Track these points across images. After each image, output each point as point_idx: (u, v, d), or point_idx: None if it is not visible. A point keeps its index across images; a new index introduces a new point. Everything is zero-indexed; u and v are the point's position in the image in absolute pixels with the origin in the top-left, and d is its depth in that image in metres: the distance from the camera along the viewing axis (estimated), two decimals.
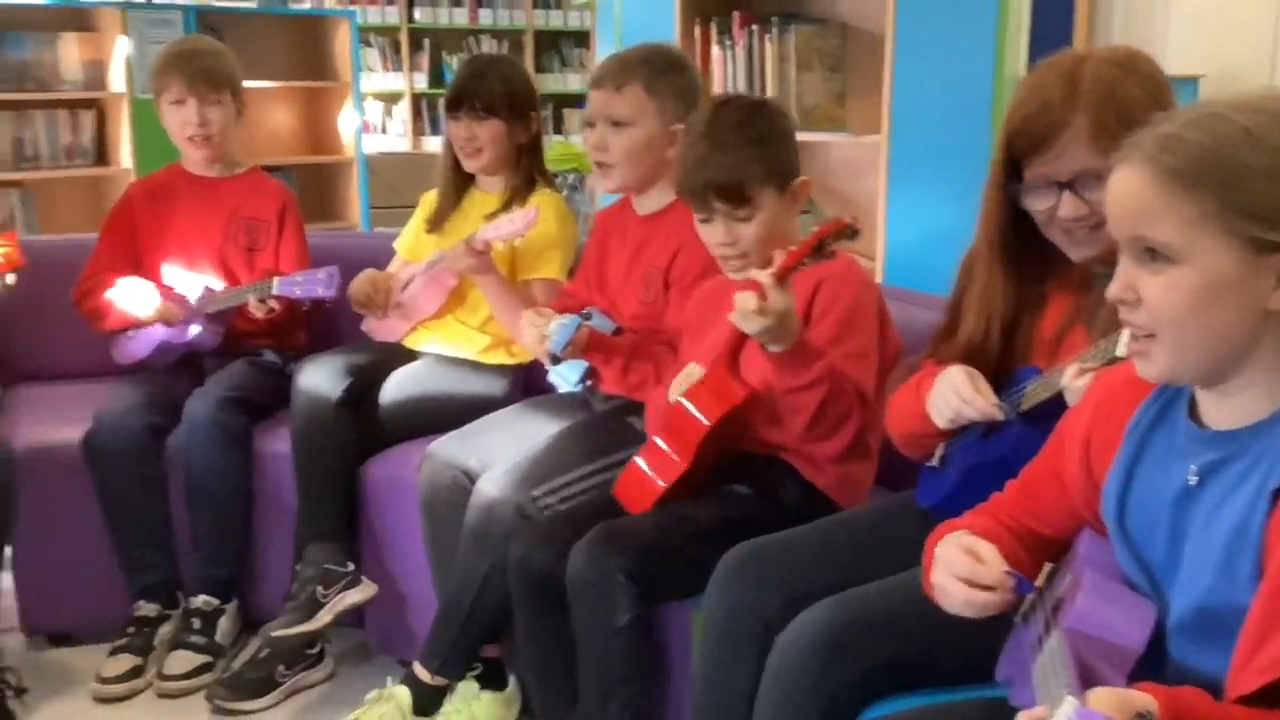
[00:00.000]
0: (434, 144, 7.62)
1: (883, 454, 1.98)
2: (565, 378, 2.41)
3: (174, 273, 2.80)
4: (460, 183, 2.76)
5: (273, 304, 2.61)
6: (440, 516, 2.28)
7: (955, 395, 1.58)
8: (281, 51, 5.43)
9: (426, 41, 7.63)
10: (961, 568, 1.27)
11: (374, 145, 6.96)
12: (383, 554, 2.57)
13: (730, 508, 1.95)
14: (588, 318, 2.23)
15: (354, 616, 2.55)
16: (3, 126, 4.70)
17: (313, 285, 2.57)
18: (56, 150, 4.90)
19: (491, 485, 2.15)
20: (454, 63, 7.69)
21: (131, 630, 2.57)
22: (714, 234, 2.00)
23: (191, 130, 2.77)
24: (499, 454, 2.25)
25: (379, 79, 7.39)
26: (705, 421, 1.89)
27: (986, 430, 1.59)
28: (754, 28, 3.48)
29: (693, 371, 1.96)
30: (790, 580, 1.64)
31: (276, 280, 2.61)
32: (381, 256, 2.90)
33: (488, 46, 7.80)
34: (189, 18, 5.00)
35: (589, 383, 2.42)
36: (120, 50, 4.84)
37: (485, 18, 7.76)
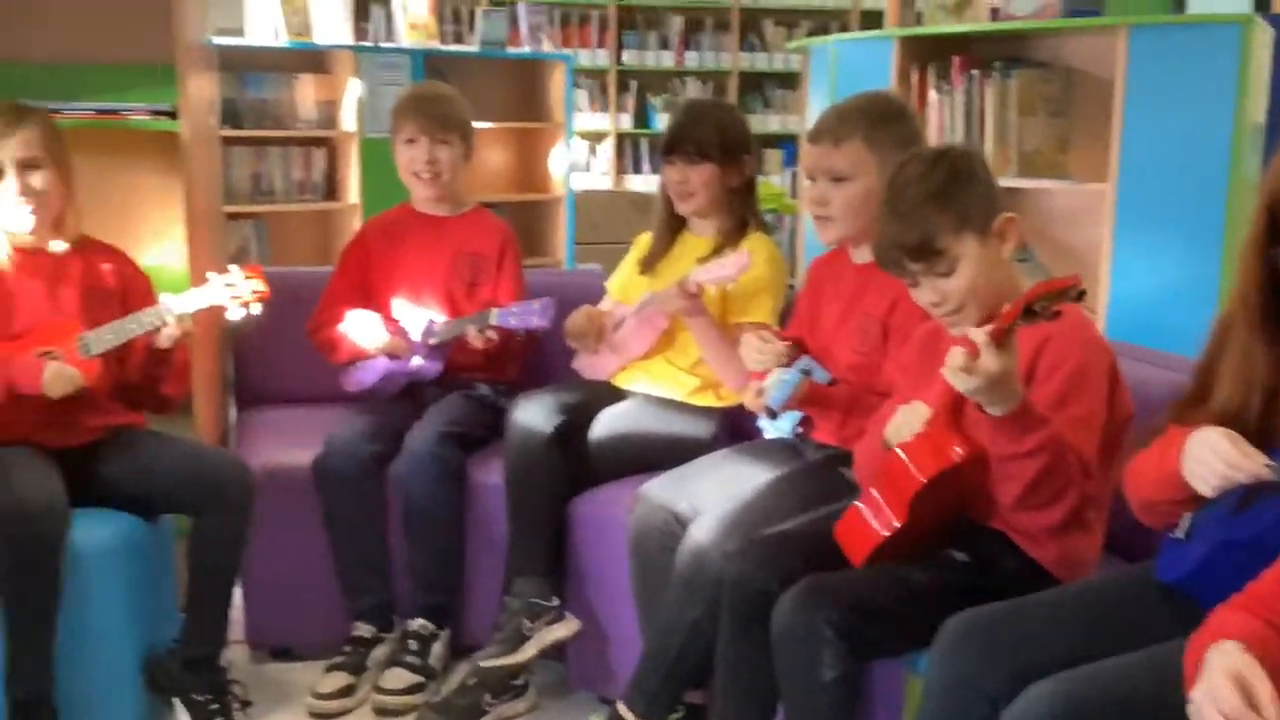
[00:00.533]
0: (636, 183, 7.76)
1: (1116, 520, 1.89)
2: (778, 426, 2.39)
3: (402, 307, 2.93)
4: (673, 225, 2.79)
5: (490, 334, 2.69)
6: (649, 558, 2.30)
7: (1217, 458, 1.48)
8: (499, 93, 5.63)
9: (633, 83, 7.79)
10: (1233, 710, 1.17)
11: (578, 183, 7.13)
12: (588, 590, 2.61)
13: (947, 573, 1.89)
14: (807, 372, 2.21)
15: (556, 650, 2.59)
16: (243, 161, 5.01)
17: (528, 316, 2.64)
18: (290, 185, 5.20)
19: (702, 532, 2.15)
20: (659, 103, 7.82)
21: (348, 649, 2.68)
22: (922, 295, 1.95)
23: (419, 167, 2.90)
24: (710, 500, 2.25)
25: (585, 119, 7.58)
26: (920, 478, 1.82)
27: (1240, 504, 1.49)
28: (974, 73, 3.42)
29: (917, 412, 1.87)
30: (1018, 652, 1.58)
31: (495, 311, 2.70)
32: (587, 293, 2.96)
33: (693, 88, 7.91)
34: (416, 62, 5.23)
35: (800, 430, 2.40)
36: (352, 92, 5.11)
37: (691, 60, 7.87)
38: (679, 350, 2.70)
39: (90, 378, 2.34)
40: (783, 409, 2.19)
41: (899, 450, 1.85)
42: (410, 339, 2.82)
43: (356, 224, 5.13)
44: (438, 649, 2.69)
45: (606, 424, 2.64)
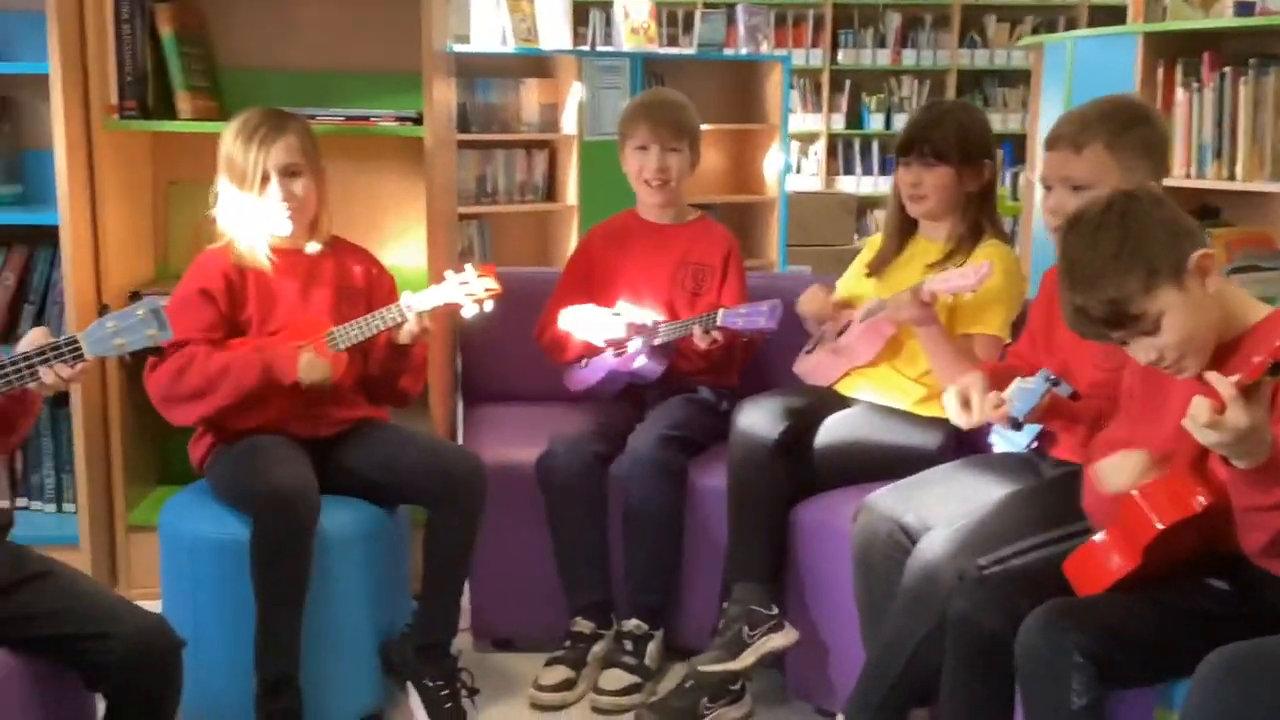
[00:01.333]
0: (847, 184, 7.66)
1: None
2: (1013, 440, 2.30)
3: (625, 310, 2.95)
4: (905, 228, 2.73)
5: (716, 334, 2.69)
6: (874, 570, 2.25)
7: None
8: (715, 95, 5.64)
9: (847, 82, 7.68)
10: None
11: (789, 184, 7.09)
12: (808, 599, 2.57)
13: (1207, 601, 1.78)
14: (1055, 383, 2.12)
15: (774, 658, 2.57)
16: (470, 163, 5.17)
17: (755, 317, 2.63)
18: (512, 186, 5.34)
19: (932, 547, 2.09)
20: (872, 103, 7.70)
21: (568, 644, 2.72)
22: (1140, 354, 1.82)
23: (649, 174, 2.92)
24: (939, 513, 2.19)
25: (797, 119, 7.52)
26: (1157, 525, 1.73)
27: None
28: (1225, 71, 3.22)
29: (1132, 463, 1.78)
30: None
31: (721, 312, 2.69)
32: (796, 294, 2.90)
33: (908, 87, 7.75)
34: (635, 65, 5.30)
35: (1035, 444, 2.31)
36: (574, 96, 5.21)
37: (908, 58, 7.70)
38: (906, 359, 2.63)
39: (338, 371, 2.46)
40: (1026, 420, 2.10)
41: (1135, 494, 1.76)
42: (638, 326, 2.83)
43: (574, 225, 5.26)
44: (652, 649, 2.71)
45: (831, 430, 2.60)
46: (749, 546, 2.57)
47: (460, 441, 3.12)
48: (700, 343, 2.72)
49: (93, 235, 2.85)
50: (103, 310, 2.83)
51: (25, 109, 3.03)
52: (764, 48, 5.93)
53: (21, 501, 3.04)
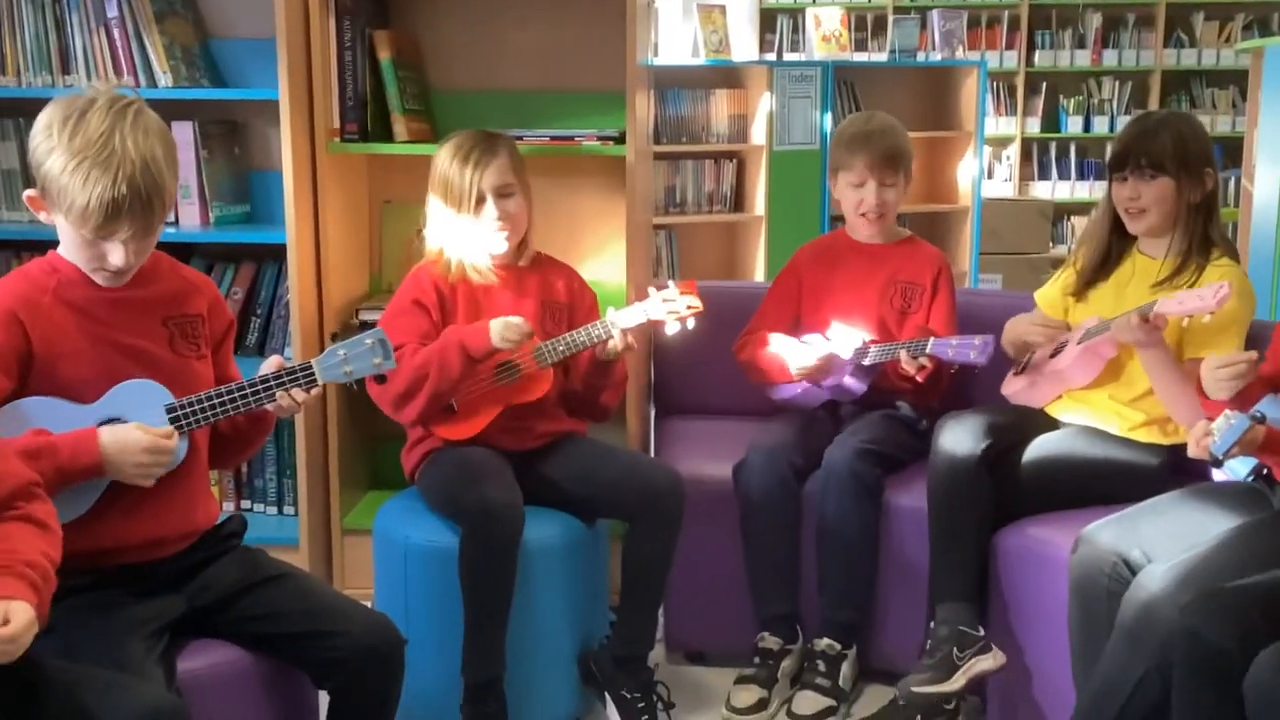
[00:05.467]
0: (1042, 190, 7.41)
1: None
2: (1233, 470, 2.19)
3: (833, 329, 2.91)
4: (1118, 244, 2.63)
5: (924, 361, 2.65)
6: (1094, 605, 2.16)
7: None
8: (907, 102, 5.54)
9: (1043, 85, 7.44)
10: None
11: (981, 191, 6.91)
12: (1011, 624, 2.51)
13: None
14: (1260, 418, 2.00)
15: (976, 683, 2.51)
16: (660, 175, 5.22)
17: (966, 350, 2.57)
18: (700, 197, 5.37)
19: (1154, 581, 2.00)
20: (1070, 106, 7.42)
21: (757, 661, 2.72)
22: None
23: (867, 209, 2.90)
24: (1164, 547, 2.09)
25: (990, 124, 7.31)
26: None
27: None
28: None
29: None
30: None
31: (931, 340, 2.64)
32: (996, 314, 2.82)
33: (1108, 89, 7.44)
34: (826, 74, 5.25)
35: (1259, 473, 2.19)
36: (764, 106, 5.20)
37: (1109, 59, 7.40)
38: (1125, 383, 2.53)
39: (545, 385, 2.52)
40: (1227, 456, 2.00)
41: None
42: (840, 360, 2.81)
43: (762, 235, 5.25)
44: (846, 670, 2.69)
45: (1040, 451, 2.53)
46: (953, 566, 2.52)
47: (652, 454, 3.16)
48: (908, 368, 2.67)
49: (315, 252, 3.00)
50: (332, 337, 2.98)
51: (254, 133, 3.22)
52: (959, 52, 5.79)
53: (245, 505, 3.22)
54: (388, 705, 2.00)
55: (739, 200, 5.44)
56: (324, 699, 2.01)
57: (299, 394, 1.98)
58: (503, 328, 2.44)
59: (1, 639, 1.47)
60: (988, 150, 7.38)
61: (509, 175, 2.58)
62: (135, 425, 1.84)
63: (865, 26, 7.31)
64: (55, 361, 1.87)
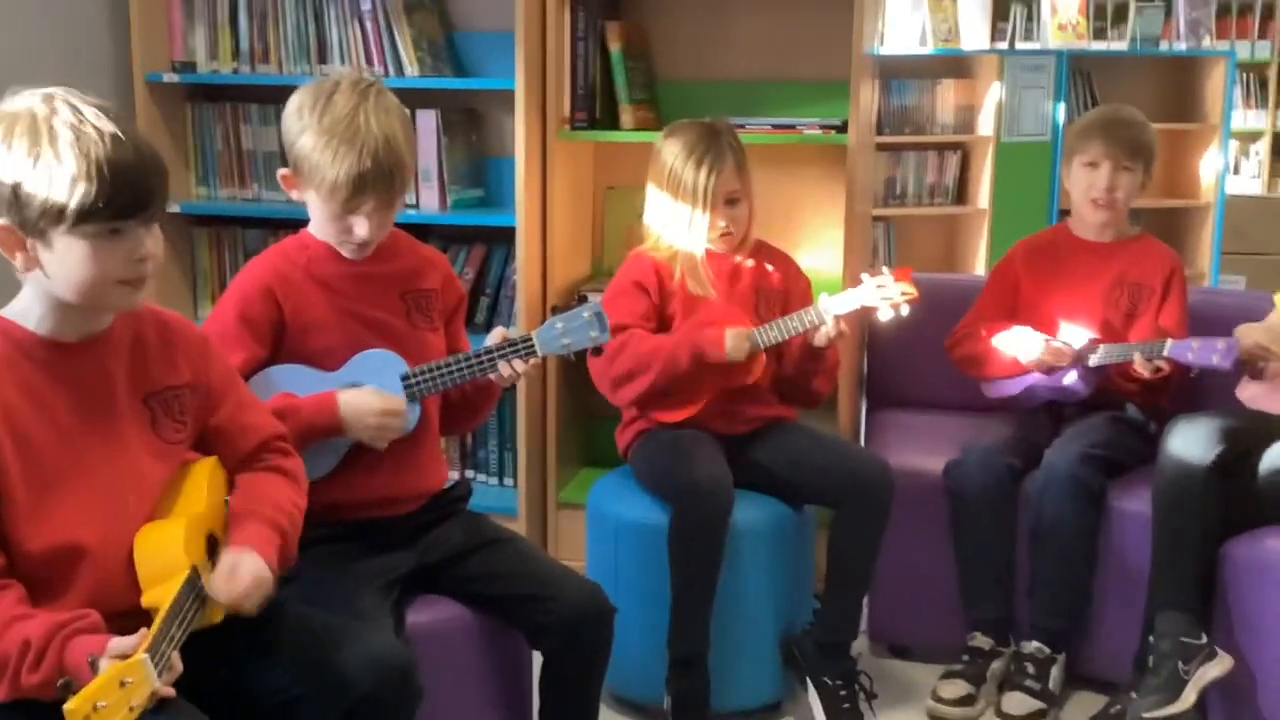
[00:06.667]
0: None
1: None
2: None
3: (1057, 329, 2.83)
4: None
5: (1160, 364, 2.55)
6: None
7: None
8: (1148, 93, 5.29)
9: None
10: None
11: (1226, 188, 6.52)
12: (1236, 635, 2.40)
13: None
14: None
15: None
16: (881, 165, 5.15)
17: (1208, 354, 2.46)
18: (921, 189, 5.28)
19: None
20: None
21: (965, 658, 2.68)
22: None
23: (1097, 193, 2.80)
24: None
25: (1239, 116, 6.87)
26: None
27: None
28: None
29: None
30: None
31: (1170, 343, 2.54)
32: (1235, 315, 2.68)
33: None
34: (1061, 63, 5.07)
35: None
36: (992, 96, 5.07)
37: None
38: None
39: (757, 370, 2.55)
40: None
41: None
42: (1070, 354, 2.72)
43: (985, 229, 5.12)
44: (1055, 674, 2.62)
45: (1278, 459, 2.40)
46: (1177, 575, 2.43)
47: (863, 444, 3.14)
48: (1142, 370, 2.57)
49: (542, 236, 3.13)
50: (552, 310, 3.09)
51: (490, 120, 3.37)
52: (1206, 42, 5.48)
53: (469, 474, 3.38)
54: (597, 669, 2.09)
55: (961, 193, 5.32)
56: (538, 659, 2.10)
57: (519, 364, 2.07)
58: (736, 340, 2.48)
59: (231, 601, 1.58)
60: (1234, 145, 6.93)
61: (736, 181, 2.59)
62: (371, 390, 1.98)
63: (1105, 15, 6.97)
64: (304, 331, 2.02)
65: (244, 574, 1.60)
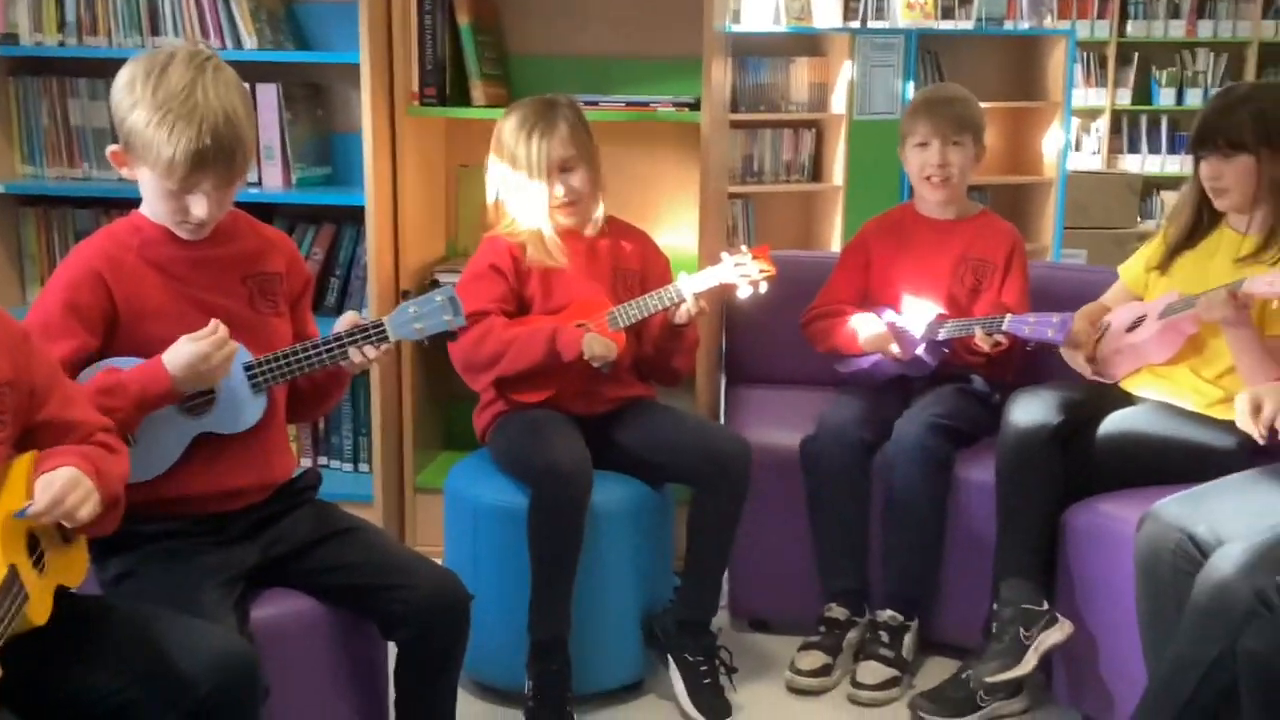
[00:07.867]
0: (1132, 163, 7.23)
1: None
2: None
3: (905, 303, 2.89)
4: (1205, 219, 2.57)
5: (999, 339, 2.62)
6: (1160, 582, 2.13)
7: None
8: (992, 72, 5.45)
9: (1135, 55, 7.24)
10: None
11: (1068, 164, 6.76)
12: (1078, 604, 2.48)
13: None
14: None
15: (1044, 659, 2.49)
16: (737, 144, 5.19)
17: (1043, 328, 2.54)
18: (778, 166, 5.34)
19: (1227, 562, 1.97)
20: (1163, 78, 7.23)
21: (822, 629, 2.72)
22: None
23: (930, 170, 2.86)
24: (1235, 526, 2.05)
25: (1079, 95, 7.15)
26: None
27: None
28: None
29: None
30: None
31: (1008, 318, 2.61)
32: (1077, 289, 2.78)
33: (1203, 61, 7.22)
34: (910, 42, 5.17)
35: None
36: (844, 74, 5.14)
37: (1204, 30, 7.17)
38: (1206, 359, 2.47)
39: (619, 349, 2.54)
40: None
41: None
42: (910, 337, 2.79)
43: (840, 205, 5.21)
44: (909, 641, 2.68)
45: (1115, 427, 2.49)
46: (1019, 542, 2.50)
47: (722, 421, 3.16)
48: (982, 344, 2.65)
49: (393, 215, 3.05)
50: (403, 295, 3.02)
51: (335, 95, 3.27)
52: (1048, 21, 5.66)
53: (322, 460, 3.30)
54: (453, 658, 2.05)
55: (817, 170, 5.40)
56: (392, 650, 2.06)
57: (371, 350, 2.01)
58: (593, 344, 2.47)
59: (53, 500, 1.52)
60: (1076, 122, 7.21)
61: (569, 148, 2.58)
62: (185, 338, 1.85)
63: None
64: (138, 320, 1.92)
65: (58, 477, 1.54)
